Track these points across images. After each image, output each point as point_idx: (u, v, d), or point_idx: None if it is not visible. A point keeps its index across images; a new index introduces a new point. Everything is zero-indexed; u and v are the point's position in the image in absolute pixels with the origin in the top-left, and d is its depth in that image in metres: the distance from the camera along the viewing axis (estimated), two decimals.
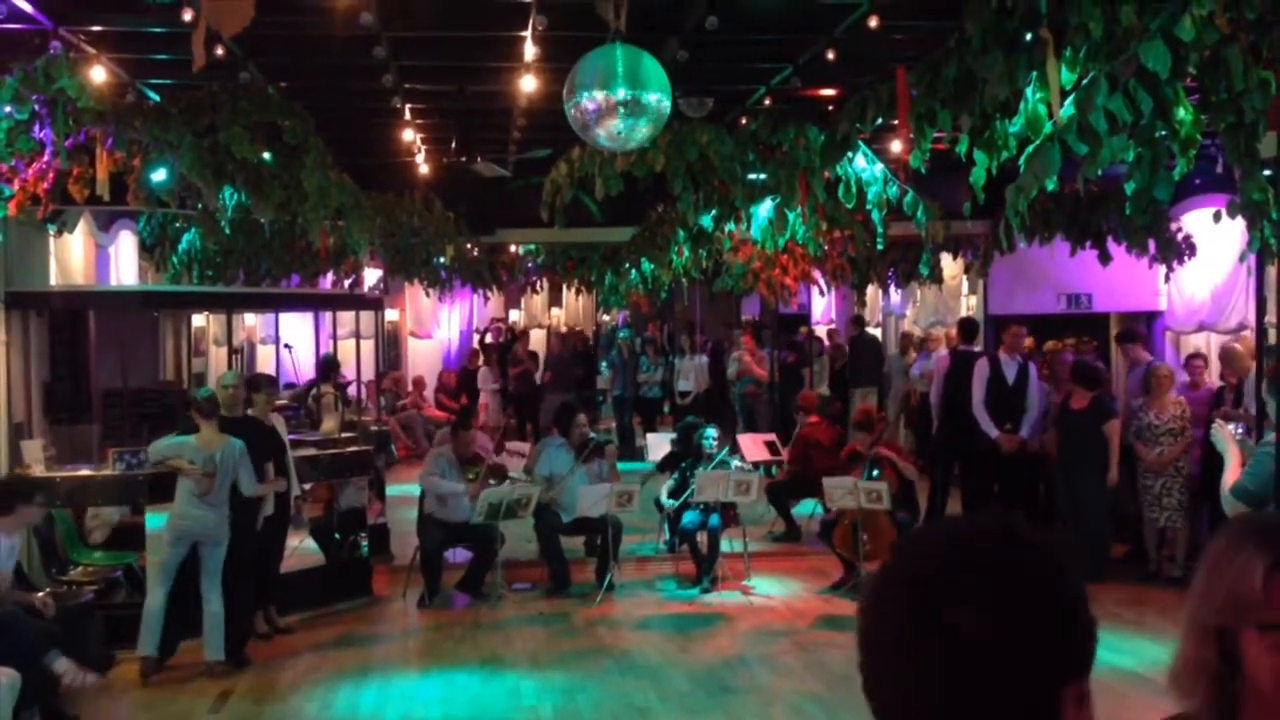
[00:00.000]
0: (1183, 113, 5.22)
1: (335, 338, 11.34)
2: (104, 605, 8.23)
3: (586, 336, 21.21)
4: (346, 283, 14.71)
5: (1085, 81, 5.17)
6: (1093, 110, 5.07)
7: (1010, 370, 10.81)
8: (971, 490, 11.83)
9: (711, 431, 10.78)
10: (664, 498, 10.78)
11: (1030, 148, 5.52)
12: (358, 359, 12.01)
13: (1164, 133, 5.23)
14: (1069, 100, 5.23)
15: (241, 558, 8.20)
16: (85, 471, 8.79)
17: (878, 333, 19.08)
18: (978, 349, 11.89)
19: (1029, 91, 5.54)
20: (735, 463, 10.77)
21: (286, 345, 13.88)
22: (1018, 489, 10.85)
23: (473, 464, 10.21)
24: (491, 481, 10.28)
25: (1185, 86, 5.23)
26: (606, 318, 25.81)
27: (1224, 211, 5.72)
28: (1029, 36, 5.45)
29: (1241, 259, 8.12)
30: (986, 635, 1.25)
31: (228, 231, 10.77)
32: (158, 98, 9.46)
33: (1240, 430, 6.56)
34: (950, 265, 14.49)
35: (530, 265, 22.24)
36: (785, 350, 17.43)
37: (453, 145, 13.27)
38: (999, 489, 10.94)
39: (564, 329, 23.73)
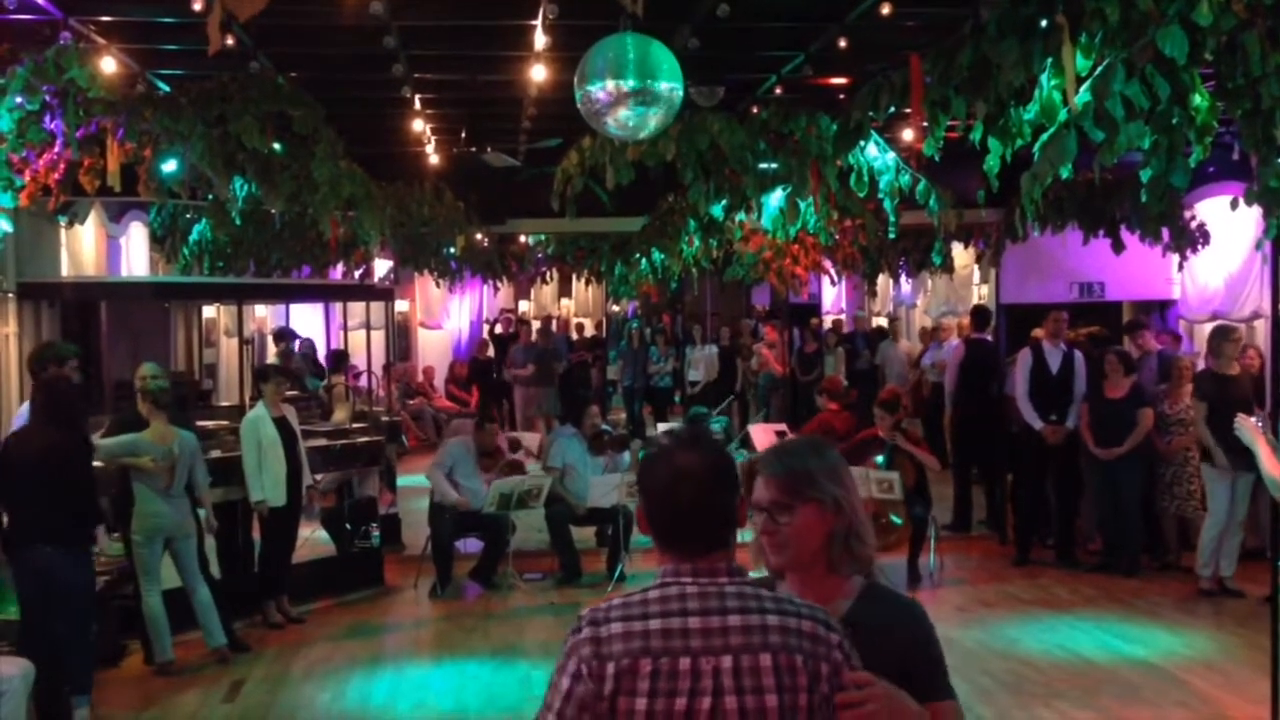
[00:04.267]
0: (1199, 99, 5.18)
1: (346, 328, 11.34)
2: (115, 595, 8.23)
3: (550, 332, 20.38)
4: (357, 273, 14.72)
5: (1101, 68, 5.13)
6: (1109, 96, 5.03)
7: (1054, 359, 10.51)
8: (993, 480, 11.77)
9: (720, 422, 10.74)
10: None
11: (1045, 135, 5.48)
12: (368, 349, 12.02)
13: (1180, 119, 5.18)
14: (1085, 87, 5.19)
15: (200, 542, 8.17)
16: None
17: (882, 321, 19.07)
18: (989, 337, 11.86)
19: (1044, 78, 5.49)
20: (743, 454, 10.74)
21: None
22: (1043, 477, 10.67)
23: (491, 457, 10.24)
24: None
25: (1202, 72, 5.19)
26: (616, 308, 25.72)
27: (1240, 199, 5.68)
28: (1044, 22, 5.41)
29: (1257, 247, 8.04)
30: None
31: (238, 222, 10.76)
32: (168, 88, 9.44)
33: (1260, 423, 6.51)
34: (961, 254, 14.44)
35: (540, 255, 22.23)
36: (806, 339, 17.37)
37: (463, 135, 13.24)
38: (1023, 478, 10.84)
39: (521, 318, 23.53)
